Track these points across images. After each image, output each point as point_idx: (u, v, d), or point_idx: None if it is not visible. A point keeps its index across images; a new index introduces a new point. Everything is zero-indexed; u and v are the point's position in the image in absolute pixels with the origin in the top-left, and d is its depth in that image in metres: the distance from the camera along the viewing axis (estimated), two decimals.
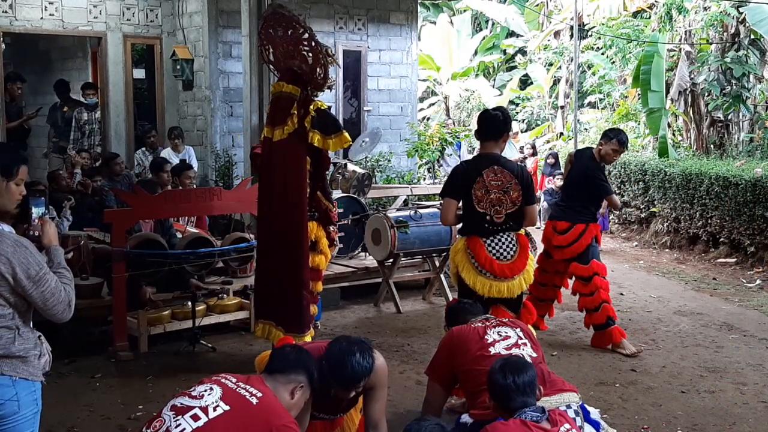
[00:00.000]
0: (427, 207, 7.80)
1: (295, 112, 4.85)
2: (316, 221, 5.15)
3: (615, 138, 6.26)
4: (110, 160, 8.48)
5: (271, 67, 5.26)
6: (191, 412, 2.73)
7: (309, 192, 5.02)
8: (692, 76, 12.81)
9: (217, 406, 2.76)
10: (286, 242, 4.95)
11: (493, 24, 20.15)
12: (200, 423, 2.70)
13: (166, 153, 9.24)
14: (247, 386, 2.86)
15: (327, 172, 5.27)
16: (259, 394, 2.83)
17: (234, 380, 2.90)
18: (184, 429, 2.69)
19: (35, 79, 11.42)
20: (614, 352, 6.09)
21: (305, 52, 4.90)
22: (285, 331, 4.94)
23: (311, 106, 4.86)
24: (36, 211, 3.40)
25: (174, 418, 2.73)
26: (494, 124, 5.02)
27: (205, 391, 2.83)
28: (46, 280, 2.86)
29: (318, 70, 4.87)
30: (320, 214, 5.18)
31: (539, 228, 8.72)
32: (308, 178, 4.99)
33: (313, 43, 4.87)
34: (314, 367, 3.16)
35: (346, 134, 4.89)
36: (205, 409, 2.74)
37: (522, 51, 19.68)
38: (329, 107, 5.08)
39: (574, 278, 6.38)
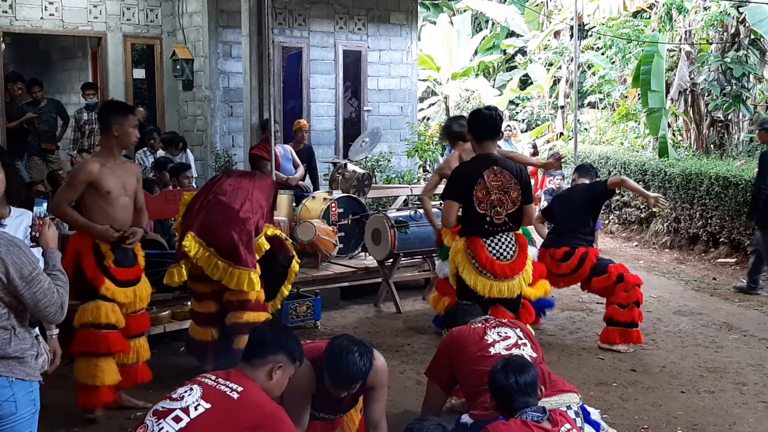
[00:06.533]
0: None
1: None
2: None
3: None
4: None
5: None
6: (172, 415, 2.73)
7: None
8: (692, 76, 12.80)
9: (198, 405, 2.75)
10: None
11: (493, 24, 20.14)
12: (182, 424, 2.69)
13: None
14: (228, 382, 2.85)
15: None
16: (240, 389, 2.82)
17: (214, 377, 2.89)
18: None
19: None
20: (610, 350, 6.09)
21: None
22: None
23: None
24: (36, 211, 3.37)
25: (156, 422, 2.72)
26: (493, 124, 4.98)
27: (186, 392, 2.81)
28: (39, 281, 2.84)
29: None
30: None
31: None
32: None
33: None
34: (295, 344, 3.09)
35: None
36: (186, 410, 2.73)
37: (522, 51, 19.66)
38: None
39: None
